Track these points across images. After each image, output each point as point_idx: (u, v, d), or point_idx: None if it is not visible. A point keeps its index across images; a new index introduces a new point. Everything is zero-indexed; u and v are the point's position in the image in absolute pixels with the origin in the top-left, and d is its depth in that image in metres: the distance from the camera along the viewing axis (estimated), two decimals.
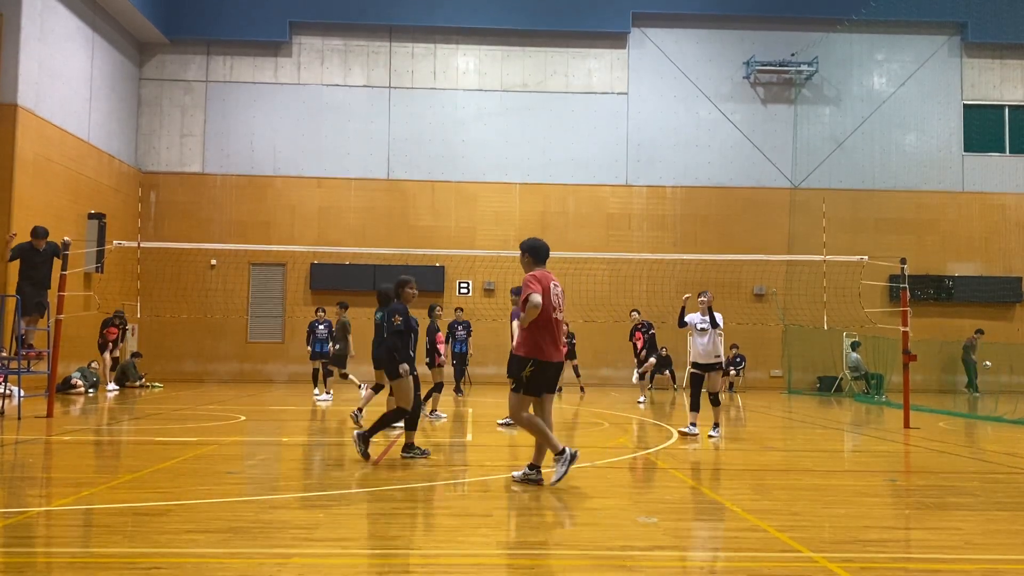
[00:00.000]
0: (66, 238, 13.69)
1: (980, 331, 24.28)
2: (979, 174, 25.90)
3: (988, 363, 23.70)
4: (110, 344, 19.50)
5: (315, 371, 18.25)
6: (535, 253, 7.43)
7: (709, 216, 25.49)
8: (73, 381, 18.22)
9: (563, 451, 7.11)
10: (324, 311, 18.44)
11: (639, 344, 17.91)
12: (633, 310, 18.65)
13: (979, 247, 25.73)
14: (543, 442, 7.24)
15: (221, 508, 6.09)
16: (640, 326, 17.96)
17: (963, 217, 25.79)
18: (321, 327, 17.99)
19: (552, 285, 7.27)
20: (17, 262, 13.30)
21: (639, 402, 17.65)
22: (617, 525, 5.77)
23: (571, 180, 25.45)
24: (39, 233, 13.15)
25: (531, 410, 7.40)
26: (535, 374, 7.16)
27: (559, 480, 7.09)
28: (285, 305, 24.44)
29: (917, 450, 10.62)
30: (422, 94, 25.63)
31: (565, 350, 7.90)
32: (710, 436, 11.12)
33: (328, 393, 17.42)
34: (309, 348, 18.20)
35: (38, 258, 13.04)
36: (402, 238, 24.18)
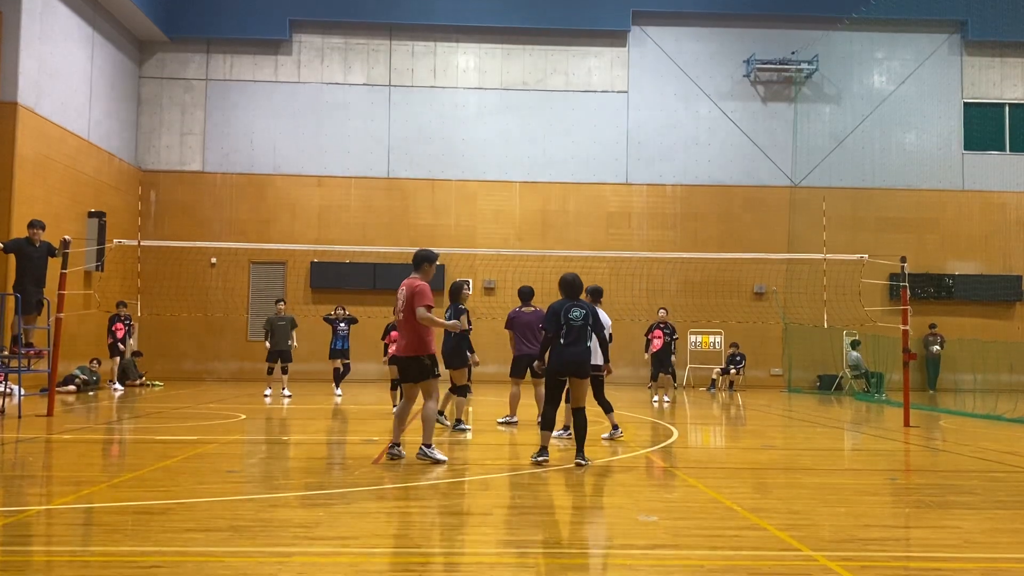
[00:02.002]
0: (66, 236, 13.67)
1: (933, 325, 24.61)
2: (979, 172, 25.88)
3: (937, 348, 23.96)
4: (119, 344, 19.47)
5: (336, 370, 18.19)
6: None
7: (709, 214, 25.48)
8: (76, 380, 18.19)
9: (397, 444, 8.51)
10: (344, 309, 18.41)
11: (657, 343, 17.60)
12: (661, 308, 18.28)
13: (979, 245, 25.71)
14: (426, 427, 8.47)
15: (222, 507, 6.10)
16: (663, 325, 17.61)
17: (963, 215, 25.77)
18: (342, 325, 17.96)
19: (400, 290, 8.48)
20: (12, 257, 13.25)
21: (655, 401, 17.46)
22: (617, 524, 5.77)
23: (571, 178, 25.44)
24: (36, 224, 13.11)
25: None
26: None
27: (426, 458, 8.24)
28: (286, 304, 24.39)
29: (917, 448, 10.63)
30: (422, 92, 25.62)
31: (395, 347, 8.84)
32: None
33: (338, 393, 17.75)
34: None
35: (35, 253, 12.99)
36: (402, 236, 24.17)
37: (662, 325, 17.58)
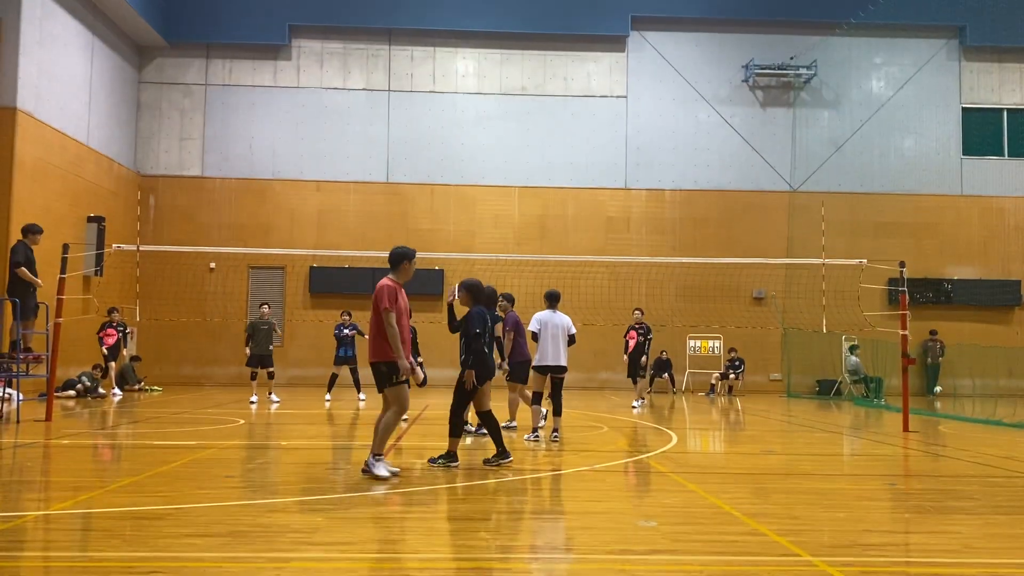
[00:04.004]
0: (65, 244, 13.67)
1: (934, 332, 24.67)
2: (977, 177, 25.92)
3: (939, 388, 24.22)
4: (112, 350, 19.40)
5: (333, 376, 18.00)
6: None
7: (708, 219, 25.50)
8: (78, 386, 18.14)
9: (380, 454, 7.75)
10: (350, 315, 18.28)
11: (631, 344, 17.55)
12: (636, 309, 18.29)
13: (978, 250, 25.74)
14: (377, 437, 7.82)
15: (220, 512, 6.09)
16: (638, 327, 17.63)
17: (962, 220, 25.80)
18: (346, 331, 17.82)
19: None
20: (7, 262, 13.23)
21: (634, 406, 17.50)
22: (616, 529, 5.76)
23: (570, 183, 25.46)
24: (37, 230, 13.10)
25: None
26: None
27: (368, 473, 7.56)
28: (284, 309, 24.42)
29: (916, 454, 10.63)
30: (421, 97, 25.65)
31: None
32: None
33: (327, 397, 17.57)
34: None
35: (34, 256, 12.97)
36: (401, 241, 23.59)
37: (637, 326, 17.58)
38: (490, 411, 8.69)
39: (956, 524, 6.10)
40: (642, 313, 17.94)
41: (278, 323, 18.05)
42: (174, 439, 10.89)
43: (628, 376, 18.00)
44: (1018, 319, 25.54)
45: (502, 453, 8.56)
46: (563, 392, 11.26)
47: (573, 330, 11.21)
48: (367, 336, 8.27)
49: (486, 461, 8.63)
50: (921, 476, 8.93)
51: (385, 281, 7.91)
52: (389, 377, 7.67)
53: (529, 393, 11.54)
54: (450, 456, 8.34)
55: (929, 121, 26.01)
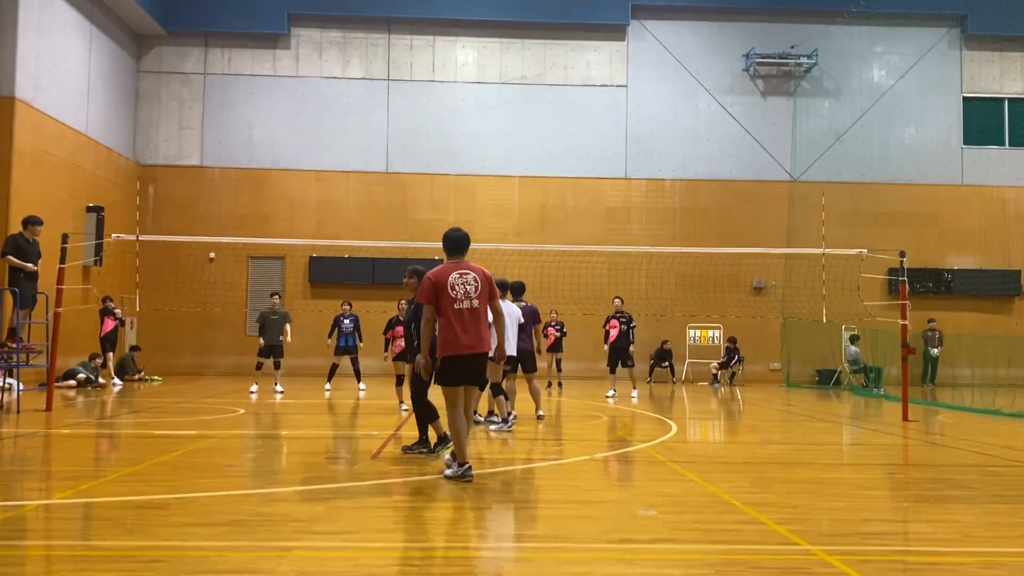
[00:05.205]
0: (64, 233, 13.64)
1: (932, 320, 24.62)
2: (978, 167, 25.87)
3: (936, 350, 24.21)
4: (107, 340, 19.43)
5: (333, 366, 18.01)
6: (445, 244, 7.32)
7: (708, 209, 25.46)
8: (78, 376, 18.15)
9: (465, 464, 7.03)
10: (350, 305, 18.27)
11: (613, 333, 17.28)
12: (616, 297, 18.16)
13: (978, 240, 25.72)
14: (455, 443, 7.20)
15: (221, 501, 6.10)
16: (619, 315, 17.45)
17: (962, 210, 25.77)
18: (347, 321, 17.79)
19: (455, 276, 7.09)
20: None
21: (609, 395, 17.32)
22: (616, 518, 5.78)
23: (570, 173, 25.40)
24: (35, 221, 13.08)
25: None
26: (442, 367, 7.15)
27: (453, 477, 7.01)
28: (284, 298, 24.34)
29: (915, 443, 10.65)
30: (421, 86, 25.56)
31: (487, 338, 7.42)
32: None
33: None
34: (331, 342, 18.00)
35: (31, 249, 12.95)
36: (401, 231, 24.12)
37: (618, 315, 17.42)
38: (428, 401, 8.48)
39: (955, 513, 6.11)
40: (622, 301, 17.79)
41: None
42: (174, 429, 10.90)
43: (609, 365, 17.47)
44: (1018, 309, 25.53)
45: (423, 443, 8.50)
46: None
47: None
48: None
49: (406, 448, 8.59)
50: (920, 465, 8.95)
51: (484, 268, 7.37)
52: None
53: (537, 384, 11.65)
54: (443, 440, 8.18)
55: (930, 110, 25.96)
